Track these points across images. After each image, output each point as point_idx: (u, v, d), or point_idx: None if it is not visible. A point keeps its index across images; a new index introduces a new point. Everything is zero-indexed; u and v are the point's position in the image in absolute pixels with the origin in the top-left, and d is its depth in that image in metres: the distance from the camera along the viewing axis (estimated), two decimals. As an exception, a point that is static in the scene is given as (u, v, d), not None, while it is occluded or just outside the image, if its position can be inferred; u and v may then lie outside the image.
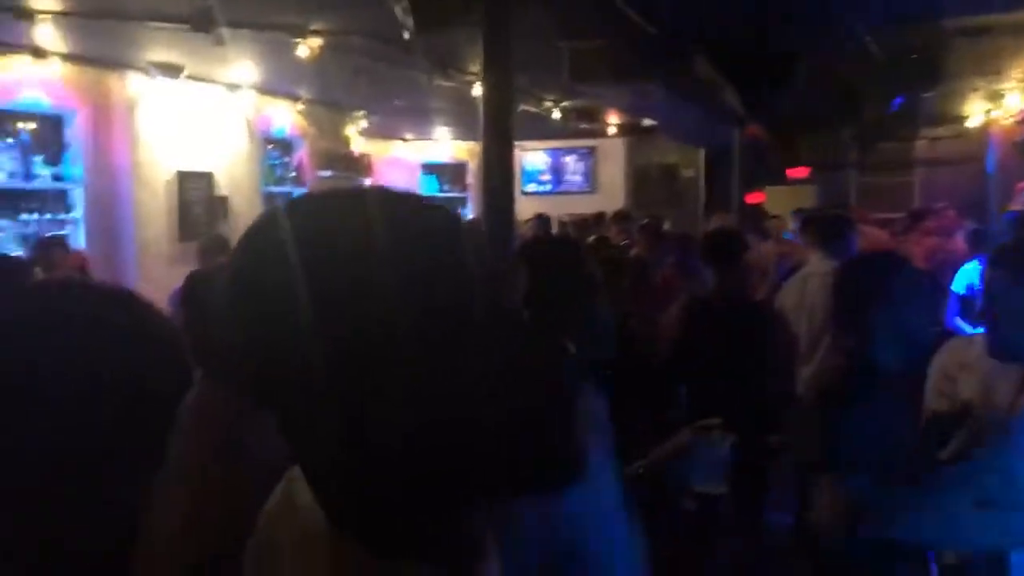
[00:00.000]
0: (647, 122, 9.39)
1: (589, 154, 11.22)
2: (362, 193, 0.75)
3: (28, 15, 4.53)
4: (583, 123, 9.14)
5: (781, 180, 9.67)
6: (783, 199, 8.98)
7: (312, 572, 0.63)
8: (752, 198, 7.74)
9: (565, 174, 11.37)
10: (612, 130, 10.01)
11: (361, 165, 9.14)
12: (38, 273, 3.42)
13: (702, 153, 10.31)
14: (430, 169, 11.35)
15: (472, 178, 11.06)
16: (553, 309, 1.43)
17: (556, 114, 8.15)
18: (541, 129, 8.69)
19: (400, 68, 6.07)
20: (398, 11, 3.40)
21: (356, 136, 8.96)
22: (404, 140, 10.90)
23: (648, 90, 6.08)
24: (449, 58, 5.88)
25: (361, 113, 8.58)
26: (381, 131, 9.62)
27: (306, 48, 5.11)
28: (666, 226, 6.33)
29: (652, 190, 10.60)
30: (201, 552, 1.18)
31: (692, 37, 5.48)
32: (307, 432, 0.64)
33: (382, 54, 5.65)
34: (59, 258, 4.14)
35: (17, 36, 5.07)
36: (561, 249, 1.81)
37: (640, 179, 10.97)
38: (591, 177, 11.26)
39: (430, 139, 10.99)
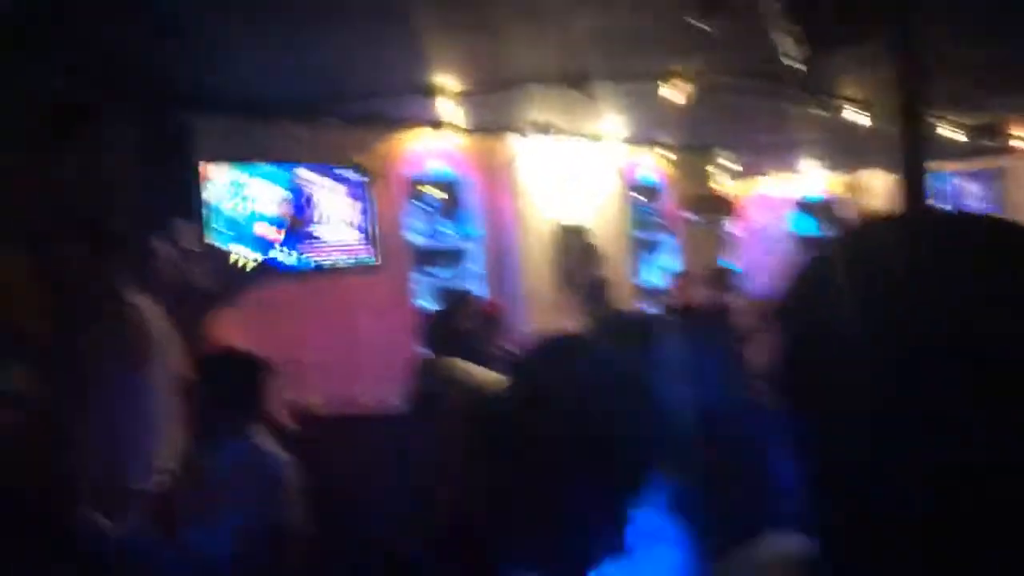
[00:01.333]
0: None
1: (994, 176, 9.75)
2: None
3: (435, 92, 5.14)
4: (984, 140, 7.95)
5: None
6: None
7: None
8: None
9: (963, 199, 10.00)
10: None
11: (727, 206, 8.93)
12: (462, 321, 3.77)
13: None
14: (804, 207, 10.70)
15: (846, 211, 10.21)
16: None
17: (952, 134, 7.19)
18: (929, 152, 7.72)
19: (770, 101, 5.82)
20: (787, 43, 3.20)
21: (721, 176, 8.79)
22: (768, 175, 10.46)
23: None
24: (830, 85, 5.49)
25: (727, 152, 8.40)
26: (745, 169, 9.34)
27: (677, 93, 5.11)
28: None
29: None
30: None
31: None
32: None
33: (751, 89, 5.47)
34: (474, 308, 4.57)
35: (427, 113, 5.81)
36: None
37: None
38: (997, 201, 9.75)
39: (795, 172, 10.40)
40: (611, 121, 6.70)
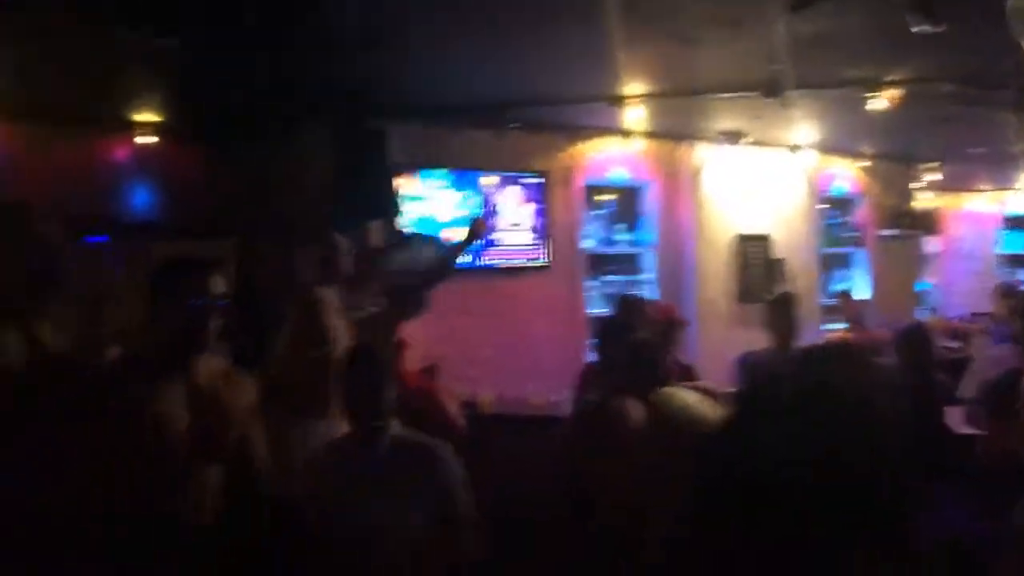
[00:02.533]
0: None
1: None
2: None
3: (620, 101, 5.10)
4: None
5: None
6: None
7: None
8: None
9: None
10: None
11: (929, 221, 8.24)
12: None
13: None
14: (1015, 223, 9.71)
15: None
16: None
17: None
18: None
19: (989, 110, 5.30)
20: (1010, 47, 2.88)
21: (923, 190, 8.12)
22: (979, 191, 9.55)
23: None
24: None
25: (934, 164, 7.74)
26: (952, 183, 8.56)
27: (882, 100, 4.77)
28: None
29: None
30: None
31: None
32: None
33: (970, 98, 5.01)
34: (649, 314, 4.47)
35: (610, 119, 5.79)
36: None
37: None
38: None
39: (1012, 188, 9.42)
40: (805, 129, 6.38)
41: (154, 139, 5.77)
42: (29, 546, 1.99)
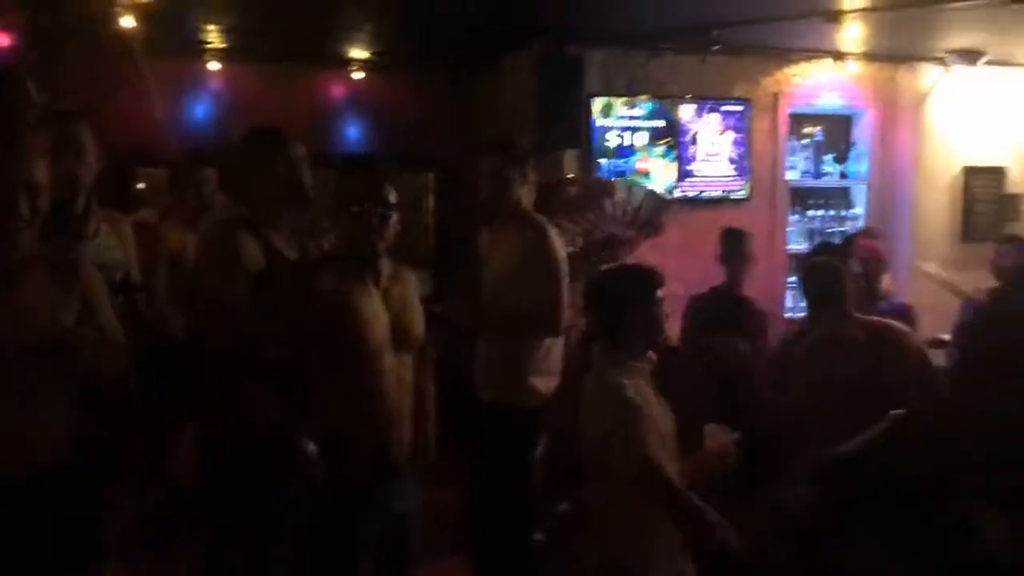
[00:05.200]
0: None
1: None
2: None
3: (838, 17, 4.72)
4: None
5: None
6: None
7: None
8: None
9: None
10: None
11: None
12: (853, 265, 3.51)
13: None
14: None
15: None
16: None
17: None
18: None
19: None
20: None
21: None
22: None
23: None
24: None
25: None
26: None
27: None
28: None
29: None
30: None
31: None
32: None
33: None
34: (857, 251, 4.22)
35: (821, 40, 5.37)
36: None
37: None
38: None
39: None
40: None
41: (366, 74, 6.12)
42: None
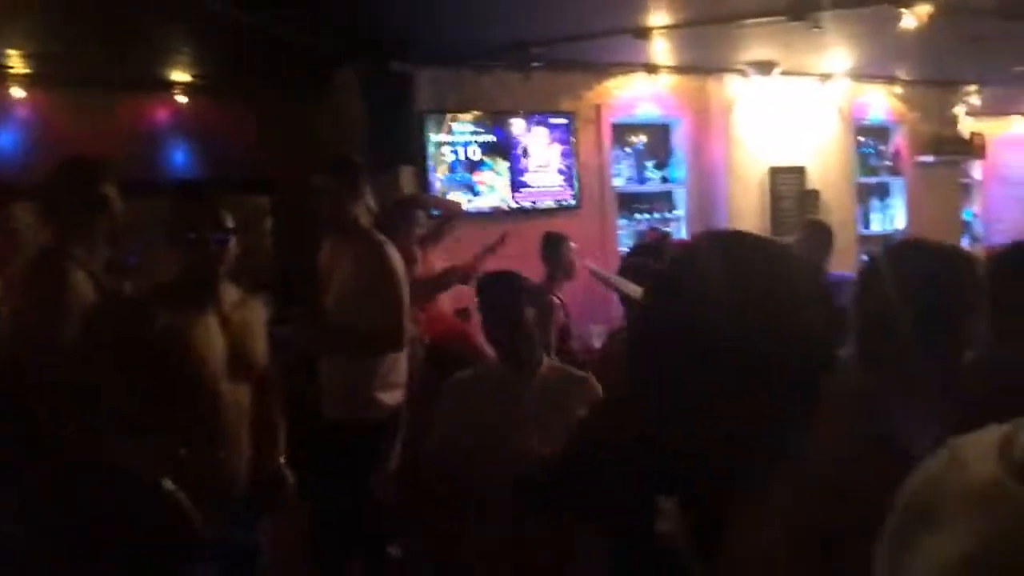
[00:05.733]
0: None
1: None
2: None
3: (645, 33, 5.07)
4: None
5: None
6: None
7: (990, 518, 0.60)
8: None
9: None
10: None
11: (969, 147, 8.05)
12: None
13: None
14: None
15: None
16: None
17: None
18: None
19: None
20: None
21: (963, 115, 7.92)
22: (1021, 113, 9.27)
23: None
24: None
25: (972, 88, 7.55)
26: (995, 107, 8.33)
27: (912, 18, 4.67)
28: None
29: None
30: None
31: None
32: None
33: (1005, 13, 4.88)
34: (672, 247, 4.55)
35: (635, 55, 5.75)
36: None
37: None
38: None
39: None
40: (837, 56, 6.26)
41: (190, 97, 5.93)
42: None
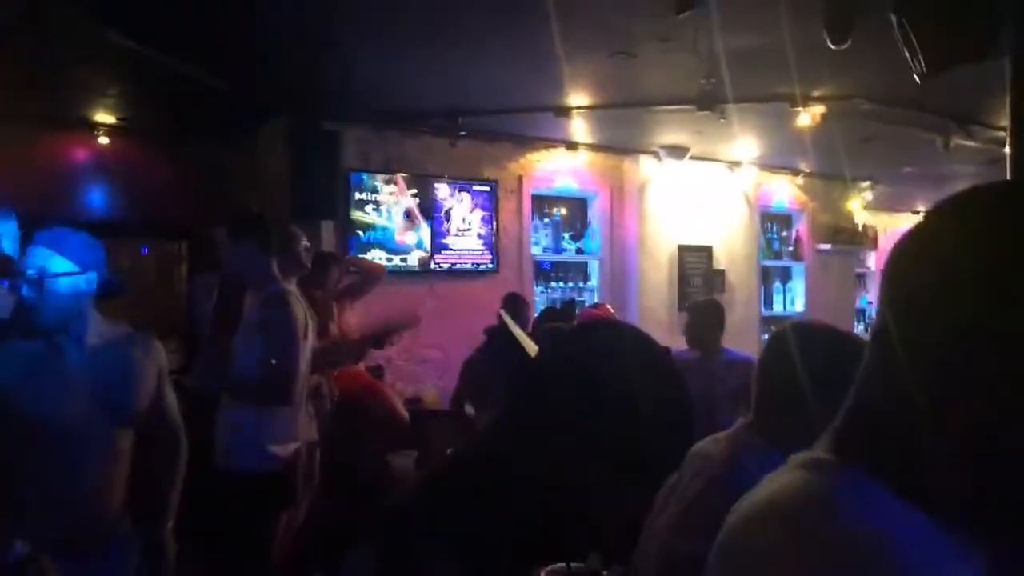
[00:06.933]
0: None
1: None
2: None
3: (566, 112, 5.35)
4: None
5: None
6: None
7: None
8: None
9: None
10: None
11: (863, 238, 8.63)
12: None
13: None
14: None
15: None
16: None
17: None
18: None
19: (913, 130, 5.66)
20: (907, 55, 3.15)
21: (859, 209, 8.51)
22: (915, 212, 10.01)
23: None
24: (972, 113, 5.29)
25: (866, 184, 8.15)
26: (888, 202, 9.00)
27: (807, 116, 5.08)
28: None
29: None
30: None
31: None
32: None
33: (891, 117, 5.35)
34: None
35: (556, 131, 6.04)
36: None
37: None
38: None
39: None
40: (745, 145, 6.70)
41: (113, 139, 5.90)
42: None
